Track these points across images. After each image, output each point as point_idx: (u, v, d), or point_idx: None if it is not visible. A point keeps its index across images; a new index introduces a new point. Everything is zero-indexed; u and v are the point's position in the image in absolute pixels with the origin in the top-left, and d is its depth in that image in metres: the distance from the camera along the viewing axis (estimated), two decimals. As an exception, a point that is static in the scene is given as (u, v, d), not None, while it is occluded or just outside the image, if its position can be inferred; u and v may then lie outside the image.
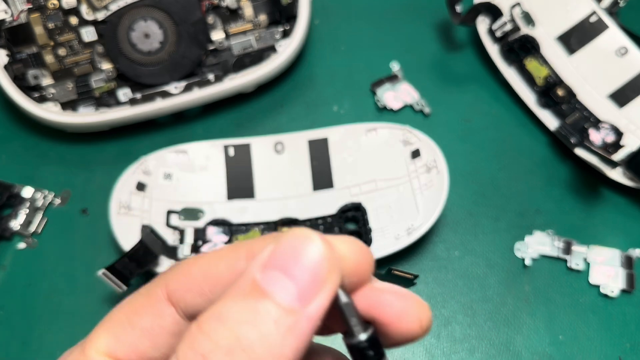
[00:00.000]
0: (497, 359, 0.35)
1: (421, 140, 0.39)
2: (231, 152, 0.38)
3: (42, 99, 0.38)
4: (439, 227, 0.39)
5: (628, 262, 0.37)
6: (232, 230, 0.36)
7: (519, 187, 0.41)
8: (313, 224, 0.37)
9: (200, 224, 0.36)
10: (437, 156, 0.38)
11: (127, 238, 0.33)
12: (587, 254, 0.38)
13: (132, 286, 0.33)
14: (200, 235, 0.35)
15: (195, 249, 0.35)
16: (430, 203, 0.37)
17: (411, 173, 0.38)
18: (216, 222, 0.36)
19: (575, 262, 0.37)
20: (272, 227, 0.36)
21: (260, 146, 0.38)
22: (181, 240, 0.35)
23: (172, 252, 0.34)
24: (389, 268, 0.34)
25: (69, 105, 0.39)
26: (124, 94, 0.39)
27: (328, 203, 0.38)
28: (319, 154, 0.39)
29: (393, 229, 0.37)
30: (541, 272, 0.38)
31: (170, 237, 0.35)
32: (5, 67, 0.37)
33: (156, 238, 0.33)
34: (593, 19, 0.42)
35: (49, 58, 0.37)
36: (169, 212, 0.35)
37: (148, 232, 0.33)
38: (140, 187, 0.36)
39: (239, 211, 0.37)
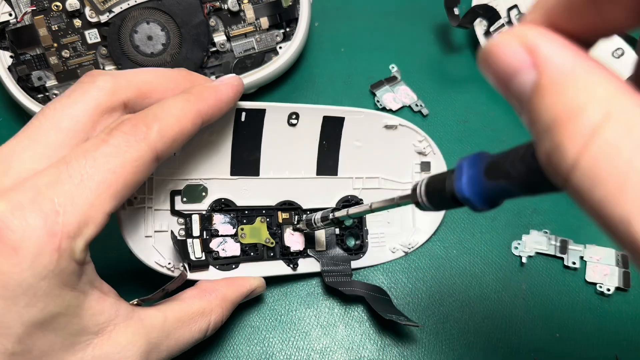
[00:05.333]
0: (494, 356, 0.35)
1: (435, 154, 0.39)
2: (243, 117, 0.34)
3: (46, 100, 0.39)
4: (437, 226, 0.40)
5: (624, 261, 0.38)
6: (238, 219, 0.35)
7: (516, 187, 0.41)
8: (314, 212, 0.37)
9: (204, 206, 0.35)
10: None
11: (135, 237, 0.32)
12: (583, 252, 0.38)
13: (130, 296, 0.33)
14: (206, 225, 0.34)
15: (205, 245, 0.34)
16: (425, 221, 0.39)
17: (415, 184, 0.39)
18: (219, 204, 0.35)
19: (572, 261, 0.38)
20: (274, 213, 0.36)
21: (275, 114, 0.35)
22: (189, 233, 0.34)
23: (185, 252, 0.33)
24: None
25: (72, 106, 0.39)
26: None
27: (329, 191, 0.38)
28: (331, 134, 0.37)
29: (389, 238, 0.38)
30: (538, 270, 0.38)
31: (176, 228, 0.34)
32: (10, 68, 0.38)
33: (178, 247, 0.32)
34: (589, 21, 0.43)
35: (53, 59, 0.38)
36: (173, 193, 0.34)
37: (175, 246, 0.32)
38: None
39: (242, 190, 0.36)
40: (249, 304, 0.36)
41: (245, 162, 0.35)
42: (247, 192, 0.36)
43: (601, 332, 0.36)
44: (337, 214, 0.32)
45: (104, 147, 0.24)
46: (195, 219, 0.34)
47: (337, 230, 0.37)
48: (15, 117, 0.41)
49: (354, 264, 0.37)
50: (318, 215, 0.34)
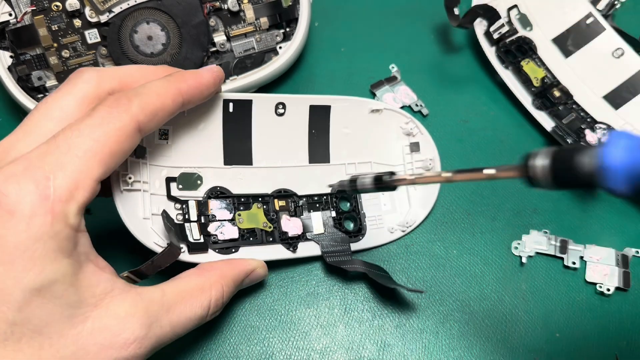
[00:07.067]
0: (494, 355, 0.35)
1: (423, 134, 0.40)
2: (231, 108, 0.35)
3: (46, 100, 0.39)
4: (437, 226, 0.40)
5: (624, 261, 0.38)
6: (235, 205, 0.35)
7: (515, 187, 0.41)
8: (309, 201, 0.37)
9: (199, 193, 0.35)
10: (435, 158, 0.39)
11: (134, 219, 0.32)
12: (583, 252, 0.38)
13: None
14: (203, 210, 0.34)
15: (203, 228, 0.34)
16: (421, 200, 0.39)
17: (407, 164, 0.39)
18: (215, 191, 0.35)
19: (572, 261, 0.38)
20: (270, 200, 0.36)
21: (262, 104, 0.36)
22: (186, 218, 0.34)
23: (183, 234, 0.33)
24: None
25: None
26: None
27: (323, 178, 0.38)
28: (319, 122, 0.38)
29: (387, 220, 0.39)
30: (538, 270, 0.38)
31: (173, 212, 0.34)
32: (10, 68, 0.38)
33: (170, 225, 0.32)
34: (589, 21, 0.43)
35: (52, 59, 0.38)
36: (168, 180, 0.34)
37: (165, 222, 0.32)
38: (140, 153, 0.33)
39: (236, 179, 0.36)
40: (248, 304, 0.36)
41: (238, 152, 0.36)
42: (242, 180, 0.36)
43: (601, 332, 0.36)
44: (395, 177, 0.29)
45: (89, 120, 0.26)
46: (192, 204, 0.34)
47: (334, 214, 0.37)
48: (15, 117, 0.41)
49: (354, 246, 0.37)
50: (368, 178, 0.31)
